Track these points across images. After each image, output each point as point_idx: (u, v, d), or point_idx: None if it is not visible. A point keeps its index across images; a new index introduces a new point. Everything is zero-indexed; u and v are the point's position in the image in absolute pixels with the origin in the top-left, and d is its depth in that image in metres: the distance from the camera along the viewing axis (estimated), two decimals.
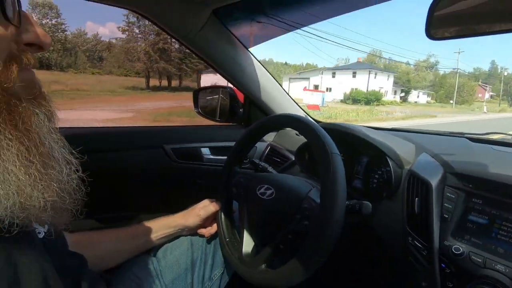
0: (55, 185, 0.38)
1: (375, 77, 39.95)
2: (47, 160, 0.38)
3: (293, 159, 1.12)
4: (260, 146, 1.25)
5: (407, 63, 61.55)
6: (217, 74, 1.09)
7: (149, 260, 0.80)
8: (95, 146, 0.95)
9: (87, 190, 0.45)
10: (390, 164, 0.80)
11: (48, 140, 0.38)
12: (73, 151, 0.43)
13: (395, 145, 0.86)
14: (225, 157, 1.22)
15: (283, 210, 0.73)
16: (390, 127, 1.16)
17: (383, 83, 40.11)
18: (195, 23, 0.86)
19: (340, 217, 0.59)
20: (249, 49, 1.05)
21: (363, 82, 38.25)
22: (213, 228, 0.88)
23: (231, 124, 1.34)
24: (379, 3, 0.86)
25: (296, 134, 1.20)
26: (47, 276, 0.40)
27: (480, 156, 0.74)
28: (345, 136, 0.94)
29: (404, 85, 48.90)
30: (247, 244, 0.79)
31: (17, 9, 0.35)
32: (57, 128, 0.41)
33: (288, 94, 1.21)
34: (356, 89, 37.12)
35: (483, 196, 0.63)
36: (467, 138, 0.90)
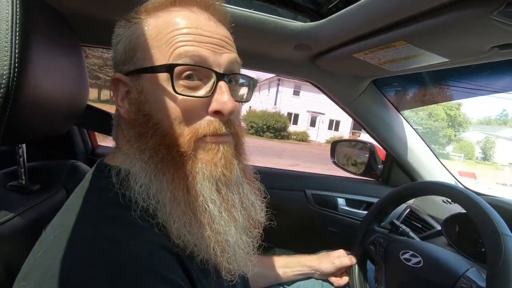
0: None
1: (294, 93, 24.31)
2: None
3: (438, 228, 1.03)
4: (399, 207, 1.22)
5: None
6: None
7: None
8: None
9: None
10: None
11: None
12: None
13: None
14: (359, 210, 1.26)
15: (433, 282, 0.70)
16: None
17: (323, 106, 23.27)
18: (356, 91, 0.99)
19: None
20: (400, 111, 1.10)
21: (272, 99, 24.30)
22: (343, 280, 0.90)
23: (367, 178, 1.36)
24: None
25: (444, 202, 1.11)
26: None
27: None
28: None
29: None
30: None
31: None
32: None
33: (438, 159, 1.15)
34: (251, 109, 22.37)
35: None
36: None
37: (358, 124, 1.10)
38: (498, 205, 0.87)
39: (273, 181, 1.24)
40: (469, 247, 0.90)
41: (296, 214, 1.21)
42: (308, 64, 0.89)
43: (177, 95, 0.41)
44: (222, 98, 0.43)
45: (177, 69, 0.41)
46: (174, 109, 0.42)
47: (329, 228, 1.24)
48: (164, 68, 0.41)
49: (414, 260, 0.76)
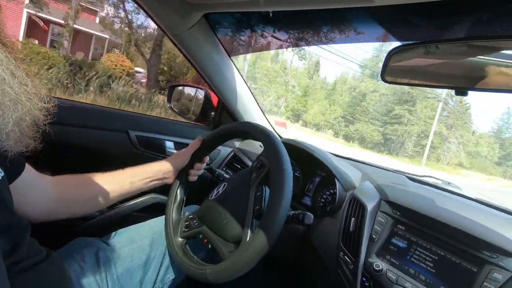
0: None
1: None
2: None
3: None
4: (225, 151, 1.30)
5: None
6: None
7: (102, 246, 0.76)
8: (61, 117, 0.93)
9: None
10: (337, 186, 0.89)
11: None
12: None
13: (346, 170, 0.95)
14: None
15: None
16: (347, 156, 1.26)
17: None
18: (185, 22, 0.90)
19: (280, 225, 0.63)
20: (231, 57, 1.11)
21: None
22: (198, 171, 0.91)
23: (200, 124, 1.37)
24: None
25: (260, 146, 1.26)
26: None
27: (412, 192, 0.85)
28: (304, 155, 1.02)
29: None
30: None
31: None
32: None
33: (258, 106, 1.27)
34: None
35: (406, 223, 0.72)
36: (406, 176, 1.02)
37: (188, 62, 1.05)
38: (294, 145, 1.06)
39: (91, 119, 1.03)
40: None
41: (119, 157, 1.08)
42: None
43: None
44: None
45: None
46: None
47: None
48: None
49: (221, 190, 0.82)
